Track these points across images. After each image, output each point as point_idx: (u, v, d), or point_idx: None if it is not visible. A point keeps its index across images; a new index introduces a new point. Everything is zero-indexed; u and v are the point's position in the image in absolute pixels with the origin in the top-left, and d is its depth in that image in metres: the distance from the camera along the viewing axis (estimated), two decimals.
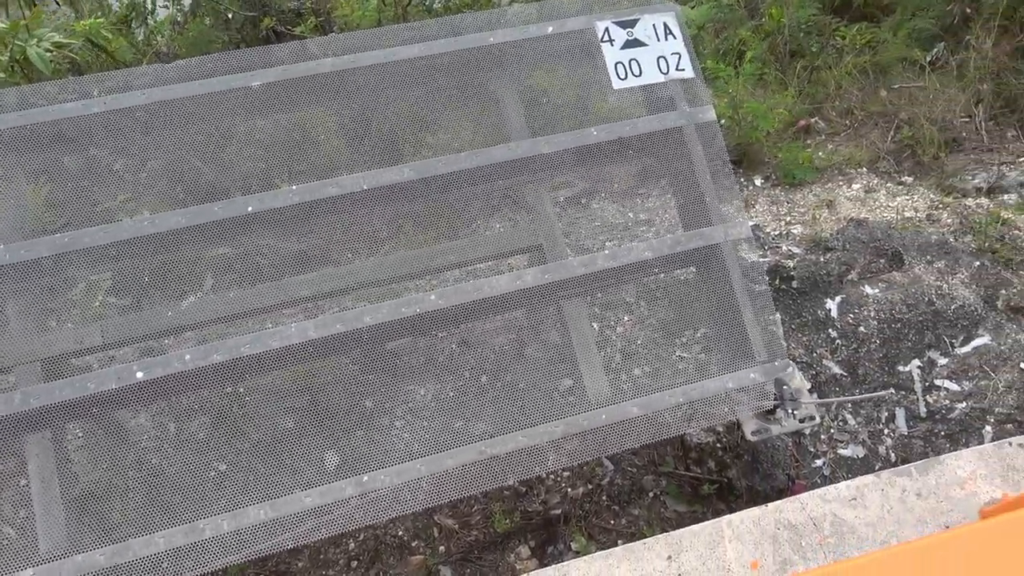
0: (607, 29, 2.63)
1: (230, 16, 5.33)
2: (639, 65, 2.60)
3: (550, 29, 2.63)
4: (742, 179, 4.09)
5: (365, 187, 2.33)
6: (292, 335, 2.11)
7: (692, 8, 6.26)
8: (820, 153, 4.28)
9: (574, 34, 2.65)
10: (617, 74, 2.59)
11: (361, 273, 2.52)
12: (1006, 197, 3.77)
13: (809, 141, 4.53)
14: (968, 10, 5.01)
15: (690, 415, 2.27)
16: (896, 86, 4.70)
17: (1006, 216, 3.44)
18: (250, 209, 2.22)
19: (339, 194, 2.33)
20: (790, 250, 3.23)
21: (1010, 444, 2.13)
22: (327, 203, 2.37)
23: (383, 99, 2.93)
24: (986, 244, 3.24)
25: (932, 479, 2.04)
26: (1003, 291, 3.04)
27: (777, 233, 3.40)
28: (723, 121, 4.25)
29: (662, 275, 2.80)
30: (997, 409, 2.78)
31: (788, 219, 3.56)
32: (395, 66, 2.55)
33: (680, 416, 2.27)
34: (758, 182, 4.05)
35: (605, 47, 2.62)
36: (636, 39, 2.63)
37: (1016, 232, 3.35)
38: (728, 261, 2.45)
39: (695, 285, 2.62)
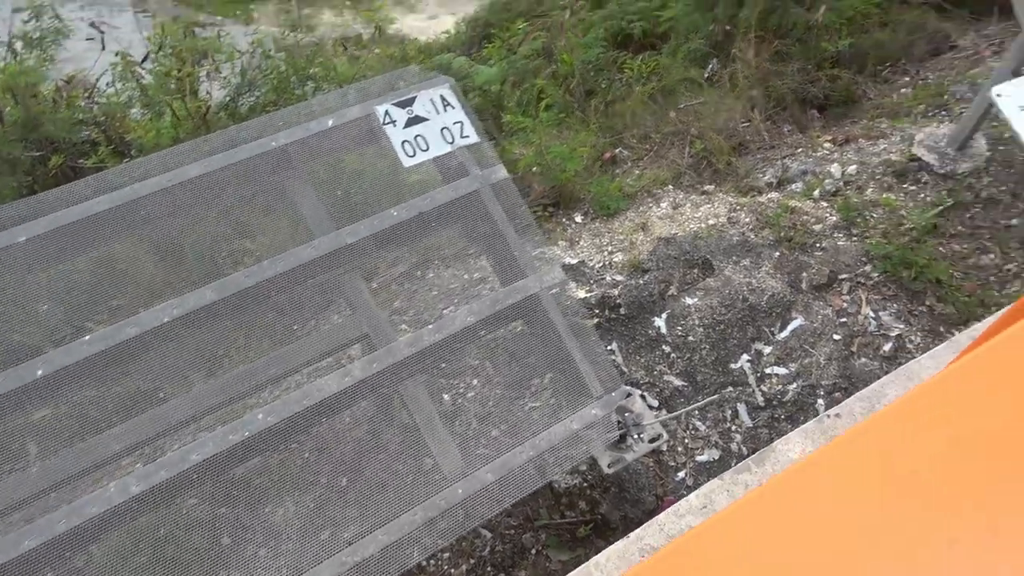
0: (387, 112, 2.70)
1: (15, 159, 5.02)
2: (425, 140, 2.68)
3: (331, 122, 2.66)
4: (564, 219, 4.27)
5: (167, 319, 2.24)
6: (112, 496, 1.96)
7: (492, 66, 6.54)
8: (628, 180, 4.55)
9: (357, 122, 2.70)
10: (405, 152, 2.65)
11: (189, 405, 2.40)
12: (792, 187, 4.15)
13: (617, 170, 4.81)
14: (728, 27, 5.55)
15: (544, 465, 2.30)
16: (682, 105, 5.11)
17: (794, 205, 3.78)
18: (40, 373, 2.06)
19: (141, 332, 2.22)
20: (614, 279, 3.38)
21: (828, 416, 2.30)
22: (133, 343, 2.25)
23: (190, 218, 2.84)
24: (781, 234, 3.54)
25: (768, 467, 2.16)
26: (804, 273, 3.32)
27: (601, 265, 3.56)
28: (534, 168, 4.44)
29: (498, 332, 2.85)
30: (823, 382, 3.01)
31: (610, 248, 3.74)
32: (188, 185, 2.49)
33: (536, 469, 2.29)
34: (578, 219, 4.24)
35: (388, 129, 2.68)
36: (417, 116, 2.72)
37: (805, 217, 3.69)
38: (548, 308, 2.53)
39: (527, 336, 2.69)
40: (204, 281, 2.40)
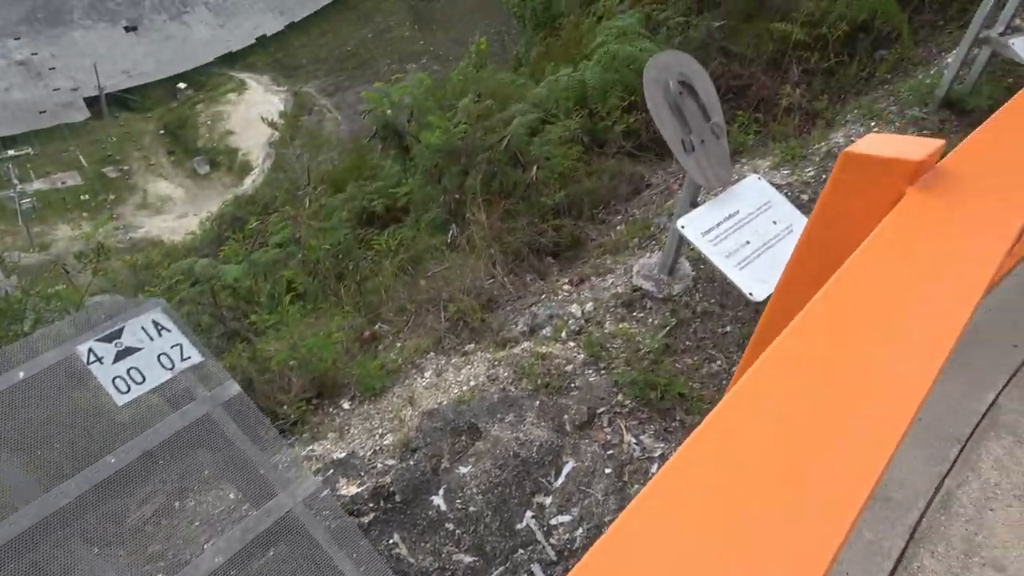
0: (91, 350, 2.46)
1: None
2: (140, 372, 2.46)
3: (22, 375, 2.36)
4: (330, 408, 4.12)
5: None
6: None
7: (239, 262, 6.38)
8: (391, 355, 4.54)
9: (55, 368, 2.42)
10: (119, 389, 2.41)
11: None
12: (543, 332, 4.39)
13: (380, 347, 4.80)
14: (457, 196, 5.97)
15: None
16: (430, 273, 5.30)
17: (545, 351, 3.98)
18: None
19: None
20: (386, 464, 3.26)
21: None
22: None
23: None
24: (538, 382, 3.69)
25: None
26: (565, 416, 3.45)
27: (372, 451, 3.43)
28: (291, 363, 4.29)
29: (255, 564, 2.56)
30: (606, 518, 3.06)
31: (380, 431, 3.64)
32: None
33: None
34: (346, 405, 4.11)
35: (95, 368, 2.43)
36: (128, 347, 2.50)
37: (557, 360, 3.89)
38: (307, 523, 2.34)
39: (289, 561, 2.45)
40: None
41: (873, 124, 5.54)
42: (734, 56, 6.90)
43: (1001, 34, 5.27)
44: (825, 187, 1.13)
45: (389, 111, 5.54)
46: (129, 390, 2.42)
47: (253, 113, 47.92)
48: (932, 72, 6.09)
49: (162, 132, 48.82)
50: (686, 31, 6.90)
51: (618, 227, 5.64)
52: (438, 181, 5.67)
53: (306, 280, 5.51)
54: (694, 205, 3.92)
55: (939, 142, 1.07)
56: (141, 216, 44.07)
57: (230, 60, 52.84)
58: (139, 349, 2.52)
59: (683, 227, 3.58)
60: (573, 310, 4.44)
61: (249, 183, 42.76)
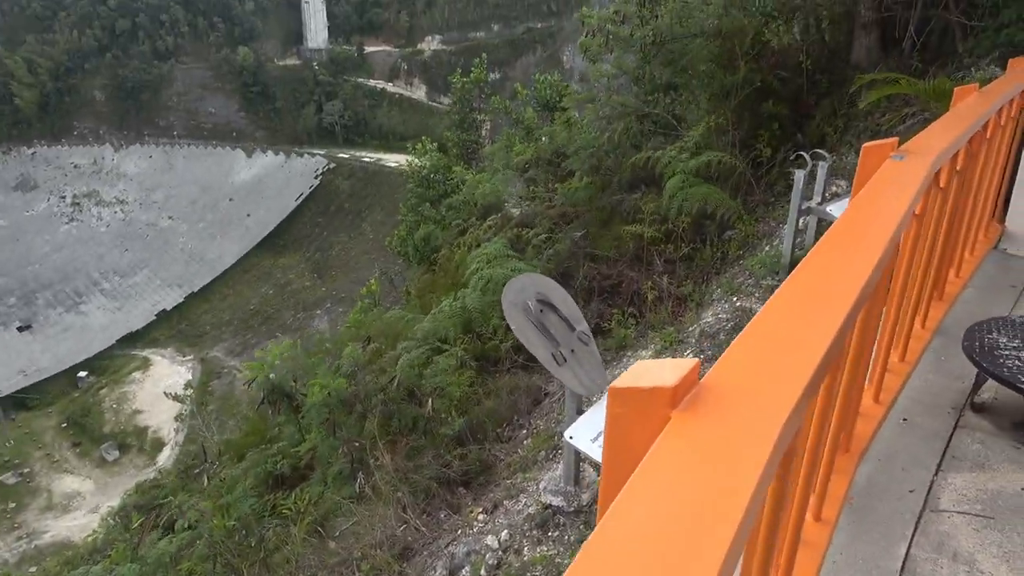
0: None
1: None
2: None
3: None
4: None
5: None
6: None
7: (129, 566, 5.89)
8: None
9: None
10: None
11: None
12: (464, 572, 4.14)
13: None
14: (357, 444, 5.85)
15: None
16: (338, 532, 5.02)
17: None
18: None
19: None
20: None
21: None
22: None
23: None
24: None
25: None
26: None
27: None
28: None
29: None
30: None
31: None
32: None
33: None
34: None
35: None
36: None
37: None
38: None
39: None
40: None
41: (735, 298, 5.95)
42: (601, 259, 7.43)
43: (819, 204, 5.96)
44: (605, 423, 1.17)
45: (272, 375, 5.53)
46: None
47: (160, 387, 46.75)
48: (775, 243, 6.73)
49: (64, 425, 46.51)
50: (552, 246, 7.44)
51: (525, 442, 5.60)
52: (334, 433, 5.56)
53: (206, 569, 5.08)
54: (580, 412, 3.98)
55: (694, 362, 1.15)
56: (47, 519, 40.41)
57: (131, 340, 52.38)
58: None
59: (571, 437, 3.60)
60: (489, 542, 4.24)
61: (164, 458, 40.56)
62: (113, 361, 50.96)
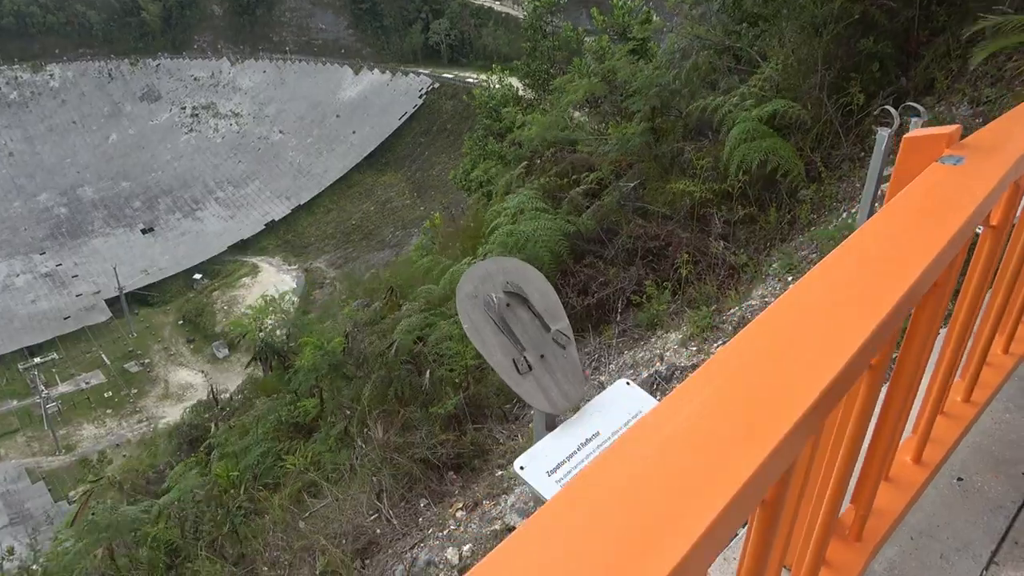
0: None
1: None
2: None
3: None
4: None
5: None
6: None
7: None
8: None
9: None
10: None
11: None
12: None
13: None
14: (349, 411, 5.43)
15: None
16: (307, 514, 4.66)
17: None
18: None
19: None
20: None
21: None
22: None
23: None
24: None
25: None
26: None
27: None
28: None
29: None
30: None
31: None
32: None
33: None
34: None
35: None
36: None
37: None
38: None
39: None
40: None
41: (790, 278, 5.01)
42: (652, 215, 6.54)
43: None
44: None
45: (261, 334, 5.14)
46: None
47: (268, 293, 49.12)
48: (854, 211, 5.64)
49: (181, 322, 49.97)
50: (599, 197, 6.60)
51: (530, 424, 5.01)
52: (321, 401, 5.15)
53: (174, 535, 4.88)
54: (551, 428, 3.32)
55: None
56: (164, 407, 44.02)
57: (242, 247, 55.02)
58: None
59: (522, 468, 2.95)
60: (450, 555, 3.73)
61: None
62: (225, 266, 53.84)
